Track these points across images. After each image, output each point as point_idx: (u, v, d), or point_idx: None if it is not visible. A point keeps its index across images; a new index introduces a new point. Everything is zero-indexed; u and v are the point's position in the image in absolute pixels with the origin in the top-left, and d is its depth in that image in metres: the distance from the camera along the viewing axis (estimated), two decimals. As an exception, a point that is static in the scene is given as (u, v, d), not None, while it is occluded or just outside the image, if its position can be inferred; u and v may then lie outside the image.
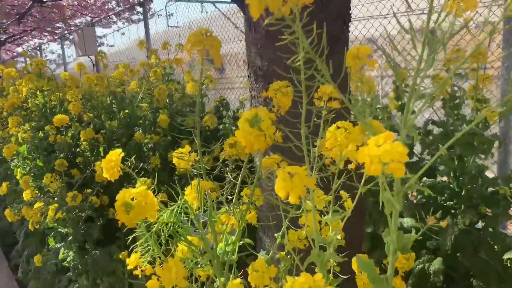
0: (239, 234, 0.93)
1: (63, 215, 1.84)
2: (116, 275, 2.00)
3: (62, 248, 1.94)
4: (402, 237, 0.74)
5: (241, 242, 0.97)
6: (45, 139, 2.18)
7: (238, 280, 0.77)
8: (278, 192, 0.60)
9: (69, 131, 2.25)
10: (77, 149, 2.25)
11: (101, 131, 2.42)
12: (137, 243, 0.82)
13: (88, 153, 2.24)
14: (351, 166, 0.83)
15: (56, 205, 1.83)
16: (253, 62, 1.60)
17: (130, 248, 0.83)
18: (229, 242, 0.92)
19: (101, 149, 2.37)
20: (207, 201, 0.89)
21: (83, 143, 2.22)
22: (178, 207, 0.84)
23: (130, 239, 0.83)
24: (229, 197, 1.03)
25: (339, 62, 0.72)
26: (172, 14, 8.16)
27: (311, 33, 0.70)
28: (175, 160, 1.14)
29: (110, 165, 0.95)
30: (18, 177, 2.06)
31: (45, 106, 2.41)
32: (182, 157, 1.08)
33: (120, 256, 1.96)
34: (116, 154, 0.96)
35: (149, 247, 0.82)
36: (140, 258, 0.82)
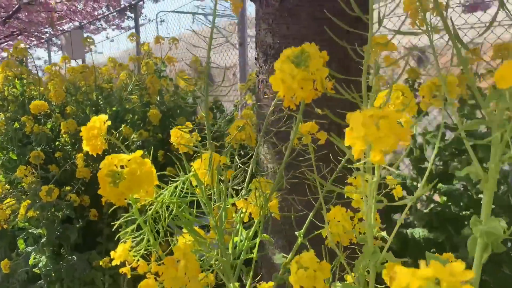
0: (256, 226, 0.72)
1: (36, 213, 1.59)
2: (95, 285, 1.75)
3: (34, 252, 1.68)
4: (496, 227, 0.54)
5: (256, 239, 0.76)
6: (21, 129, 1.94)
7: None
8: (353, 145, 0.39)
9: (48, 122, 2.02)
10: (57, 143, 2.02)
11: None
12: (125, 230, 0.60)
13: (68, 147, 2.01)
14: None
15: (29, 201, 1.59)
16: (262, 40, 1.41)
17: (116, 237, 0.61)
18: (245, 236, 0.71)
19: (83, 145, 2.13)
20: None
21: (64, 135, 1.98)
22: (183, 184, 0.63)
23: (115, 226, 0.61)
24: (237, 187, 0.82)
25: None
26: (163, 21, 7.99)
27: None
28: (174, 137, 0.94)
29: (92, 133, 0.73)
30: (-15, 170, 1.82)
31: (23, 96, 2.18)
32: (183, 130, 0.87)
33: (100, 263, 1.71)
34: (100, 120, 0.75)
35: (142, 236, 0.60)
36: (130, 250, 0.60)
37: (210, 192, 0.68)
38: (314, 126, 0.75)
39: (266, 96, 1.43)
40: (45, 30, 10.81)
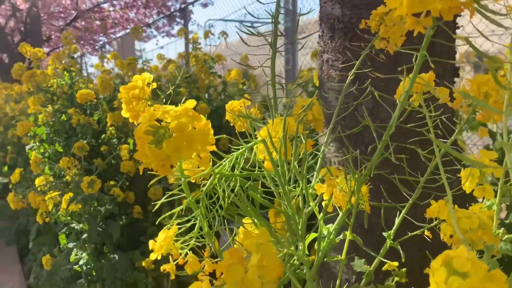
0: (342, 219, 0.53)
1: (79, 207, 1.49)
2: (137, 287, 1.62)
3: (75, 249, 1.58)
4: None
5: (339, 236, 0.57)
6: (67, 122, 1.87)
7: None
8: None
9: (95, 114, 1.94)
10: (103, 136, 1.93)
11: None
12: (168, 213, 0.44)
13: (115, 141, 1.91)
14: None
15: (71, 194, 1.49)
16: (328, 13, 1.22)
17: (157, 221, 0.45)
18: (329, 232, 0.52)
19: (130, 141, 2.04)
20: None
21: (110, 128, 1.89)
22: (248, 152, 0.45)
23: (157, 206, 0.44)
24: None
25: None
26: (213, 25, 8.01)
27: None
28: (229, 116, 0.77)
29: (133, 93, 0.58)
30: (31, 162, 1.75)
31: (71, 88, 2.12)
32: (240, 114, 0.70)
33: (143, 264, 1.58)
34: (143, 79, 0.59)
35: (193, 221, 0.43)
36: (175, 241, 0.43)
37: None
38: (432, 76, 0.55)
39: (333, 79, 1.24)
40: (99, 38, 11.23)
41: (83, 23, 9.57)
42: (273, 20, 0.61)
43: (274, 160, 0.45)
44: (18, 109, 2.26)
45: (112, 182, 1.72)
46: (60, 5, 8.79)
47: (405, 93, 0.48)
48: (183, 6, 7.75)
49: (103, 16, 9.40)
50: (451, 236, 0.59)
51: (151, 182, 0.48)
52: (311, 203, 0.53)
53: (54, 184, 1.57)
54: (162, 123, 0.41)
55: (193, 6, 7.40)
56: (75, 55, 2.66)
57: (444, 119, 0.70)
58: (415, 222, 0.69)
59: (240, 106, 0.86)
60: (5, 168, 3.01)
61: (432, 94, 0.60)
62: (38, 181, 1.58)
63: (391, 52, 0.86)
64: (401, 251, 0.66)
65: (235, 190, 0.43)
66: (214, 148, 0.43)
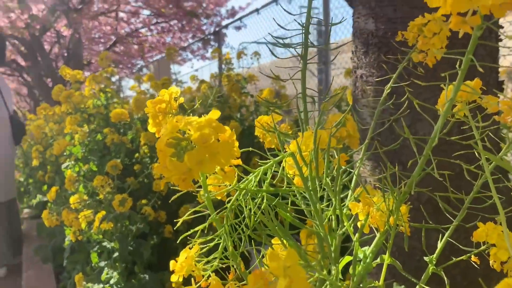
0: (380, 241, 0.49)
1: (110, 226, 1.49)
2: (166, 309, 1.59)
3: (106, 268, 1.58)
4: None
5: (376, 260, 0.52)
6: (102, 141, 1.90)
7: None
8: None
9: (129, 133, 1.97)
10: (136, 155, 1.95)
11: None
12: (189, 232, 0.41)
13: (147, 160, 1.93)
14: None
15: (104, 212, 1.49)
16: (362, 28, 1.19)
17: (179, 240, 0.42)
18: (365, 256, 0.48)
19: (163, 159, 2.05)
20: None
21: (143, 147, 1.91)
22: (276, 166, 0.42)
23: (179, 224, 0.41)
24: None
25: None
26: (245, 48, 8.11)
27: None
28: (258, 131, 0.74)
29: (160, 108, 0.56)
30: (66, 180, 1.79)
31: (106, 109, 2.17)
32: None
33: (173, 286, 1.56)
34: (171, 93, 0.58)
35: (217, 241, 0.40)
36: (197, 261, 0.40)
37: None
38: (478, 83, 0.51)
39: (367, 94, 1.19)
40: (137, 62, 11.63)
41: (121, 47, 9.94)
42: (303, 31, 0.59)
43: (304, 176, 0.42)
44: (57, 129, 2.34)
45: (144, 201, 1.73)
46: (101, 31, 9.20)
47: (448, 102, 0.44)
48: (217, 29, 7.93)
49: (141, 41, 9.74)
50: (502, 263, 0.53)
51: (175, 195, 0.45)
52: (345, 224, 0.49)
53: (87, 202, 1.59)
54: (185, 135, 0.39)
55: (226, 29, 7.56)
56: (113, 78, 2.75)
57: (490, 133, 0.64)
58: (460, 246, 0.63)
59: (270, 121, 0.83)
60: (44, 187, 3.10)
61: (476, 105, 0.55)
62: (72, 199, 1.60)
63: (430, 65, 0.82)
64: (445, 278, 0.61)
65: (262, 207, 0.39)
66: (239, 161, 0.41)
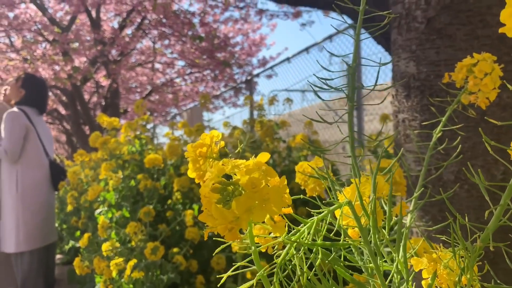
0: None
1: (142, 275, 1.45)
2: None
3: (135, 320, 1.51)
4: None
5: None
6: (136, 187, 1.90)
7: None
8: None
9: (162, 179, 1.96)
10: (169, 201, 1.93)
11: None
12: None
13: (179, 206, 1.90)
14: None
15: (135, 260, 1.45)
16: (402, 72, 1.15)
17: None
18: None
19: (195, 206, 2.02)
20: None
21: (176, 193, 1.89)
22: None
23: (223, 280, 0.37)
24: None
25: None
26: (276, 95, 8.23)
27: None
28: (299, 177, 0.70)
29: (200, 152, 0.54)
30: (98, 227, 1.78)
31: (141, 155, 2.19)
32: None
33: None
34: (212, 136, 0.56)
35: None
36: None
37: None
38: None
39: (410, 139, 1.14)
40: (171, 110, 12.00)
41: (157, 96, 10.31)
42: (349, 72, 0.56)
43: (363, 228, 0.37)
44: (92, 175, 2.38)
45: (175, 249, 1.68)
46: (137, 81, 9.63)
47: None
48: (248, 78, 8.13)
49: (175, 90, 10.10)
50: None
51: (216, 251, 0.41)
52: (409, 284, 0.43)
53: (119, 249, 1.56)
54: (231, 180, 0.36)
55: (258, 77, 7.73)
56: (148, 126, 2.80)
57: None
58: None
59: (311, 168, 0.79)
60: (77, 233, 3.12)
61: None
62: (104, 246, 1.58)
63: (483, 107, 0.76)
64: None
65: (317, 263, 0.35)
66: (290, 210, 0.36)
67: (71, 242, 3.23)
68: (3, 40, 7.28)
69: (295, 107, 6.79)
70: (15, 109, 2.69)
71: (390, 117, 2.98)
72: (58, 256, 4.22)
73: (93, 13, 6.48)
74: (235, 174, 0.36)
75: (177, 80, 9.88)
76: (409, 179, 0.71)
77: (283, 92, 7.54)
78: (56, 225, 4.01)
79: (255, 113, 3.10)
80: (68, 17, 6.83)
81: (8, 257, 2.80)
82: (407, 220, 0.64)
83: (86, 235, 1.83)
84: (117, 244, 1.67)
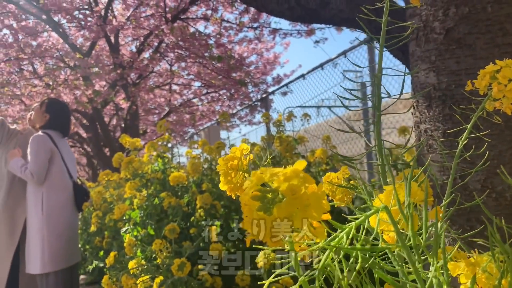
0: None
1: (168, 292, 1.46)
2: None
3: (162, 338, 1.52)
4: None
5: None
6: (160, 205, 1.93)
7: None
8: None
9: (185, 196, 1.98)
10: (192, 218, 1.95)
11: (221, 203, 2.11)
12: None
13: (203, 223, 1.91)
14: None
15: (161, 277, 1.47)
16: (422, 83, 1.16)
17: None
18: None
19: (217, 223, 2.03)
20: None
21: (199, 210, 1.91)
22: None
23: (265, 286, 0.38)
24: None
25: None
26: (291, 112, 8.27)
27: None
28: (327, 188, 0.71)
29: (232, 165, 0.56)
30: (125, 245, 1.80)
31: (164, 174, 2.23)
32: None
33: None
34: (242, 150, 0.58)
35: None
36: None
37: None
38: None
39: (434, 149, 1.14)
40: (188, 130, 12.14)
41: (174, 117, 10.47)
42: (375, 82, 0.58)
43: (401, 233, 0.38)
44: (116, 194, 2.42)
45: (200, 266, 1.69)
46: (155, 103, 9.80)
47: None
48: (264, 95, 8.20)
49: (192, 110, 10.24)
50: None
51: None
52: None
53: (145, 267, 1.58)
54: (267, 188, 0.37)
55: (273, 95, 7.79)
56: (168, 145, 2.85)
57: None
58: None
59: (338, 178, 0.80)
60: (101, 253, 3.15)
61: None
62: (131, 264, 1.60)
63: (509, 113, 0.77)
64: None
65: (357, 268, 0.36)
66: (328, 216, 0.38)
67: (95, 262, 3.27)
68: (27, 67, 7.55)
69: (310, 122, 6.76)
70: (40, 133, 2.77)
71: (408, 129, 2.96)
72: (81, 277, 4.26)
73: (112, 38, 6.68)
74: (272, 183, 0.38)
75: (194, 101, 10.03)
76: (437, 187, 0.71)
77: (297, 108, 7.57)
78: (80, 245, 4.07)
79: (272, 129, 3.13)
80: (88, 43, 7.06)
81: (34, 278, 2.85)
82: (441, 227, 0.64)
83: (112, 254, 1.85)
84: (143, 262, 1.69)
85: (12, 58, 6.50)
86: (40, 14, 6.03)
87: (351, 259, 0.37)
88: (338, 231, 0.39)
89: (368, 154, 4.45)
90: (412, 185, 0.43)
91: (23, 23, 6.45)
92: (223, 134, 12.47)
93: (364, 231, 0.38)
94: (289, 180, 0.35)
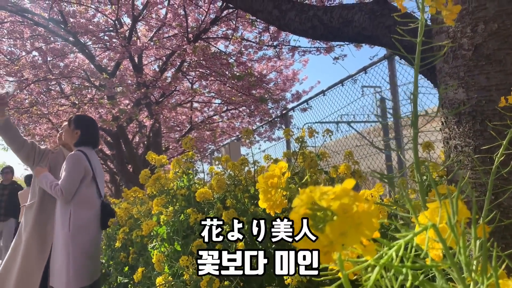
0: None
1: (196, 309, 1.46)
2: None
3: None
4: None
5: None
6: (186, 221, 1.95)
7: None
8: None
9: (211, 212, 2.00)
10: (218, 235, 1.96)
11: (245, 218, 2.12)
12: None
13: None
14: None
15: (189, 294, 1.48)
16: (451, 99, 1.16)
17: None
18: None
19: (244, 240, 2.04)
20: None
21: (224, 227, 1.92)
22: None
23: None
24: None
25: None
26: (310, 127, 8.24)
27: None
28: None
29: (271, 182, 0.58)
30: (154, 261, 1.82)
31: (189, 190, 2.26)
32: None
33: None
34: (280, 168, 0.60)
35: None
36: None
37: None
38: None
39: (465, 165, 1.12)
40: (209, 146, 12.24)
41: (195, 134, 10.59)
42: (412, 100, 0.59)
43: (449, 250, 0.38)
44: (144, 211, 2.46)
45: (226, 283, 1.69)
46: (177, 120, 9.95)
47: None
48: (284, 112, 8.24)
49: (213, 127, 10.34)
50: None
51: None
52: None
53: (172, 283, 1.59)
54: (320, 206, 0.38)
55: (293, 111, 7.82)
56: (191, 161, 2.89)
57: None
58: None
59: (372, 196, 0.80)
60: (126, 269, 3.18)
61: None
62: (158, 280, 1.61)
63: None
64: None
65: (408, 284, 0.36)
66: (377, 234, 0.39)
67: (119, 278, 3.29)
68: (54, 87, 7.81)
69: (329, 138, 6.72)
70: (76, 151, 2.84)
71: (432, 145, 2.92)
72: (105, 293, 4.29)
73: (136, 58, 6.85)
74: (320, 201, 0.39)
75: (215, 117, 10.14)
76: (474, 204, 0.71)
77: (317, 124, 7.55)
78: (103, 261, 4.12)
79: (293, 145, 3.13)
80: (113, 63, 7.26)
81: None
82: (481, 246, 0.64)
83: (140, 270, 1.87)
84: (170, 278, 1.71)
85: (41, 79, 6.74)
86: (68, 36, 6.25)
87: (400, 277, 0.37)
88: (385, 248, 0.40)
89: (389, 169, 4.38)
90: (460, 204, 0.43)
91: (52, 45, 6.69)
92: (243, 150, 12.51)
93: (412, 249, 0.39)
94: (339, 198, 0.37)
